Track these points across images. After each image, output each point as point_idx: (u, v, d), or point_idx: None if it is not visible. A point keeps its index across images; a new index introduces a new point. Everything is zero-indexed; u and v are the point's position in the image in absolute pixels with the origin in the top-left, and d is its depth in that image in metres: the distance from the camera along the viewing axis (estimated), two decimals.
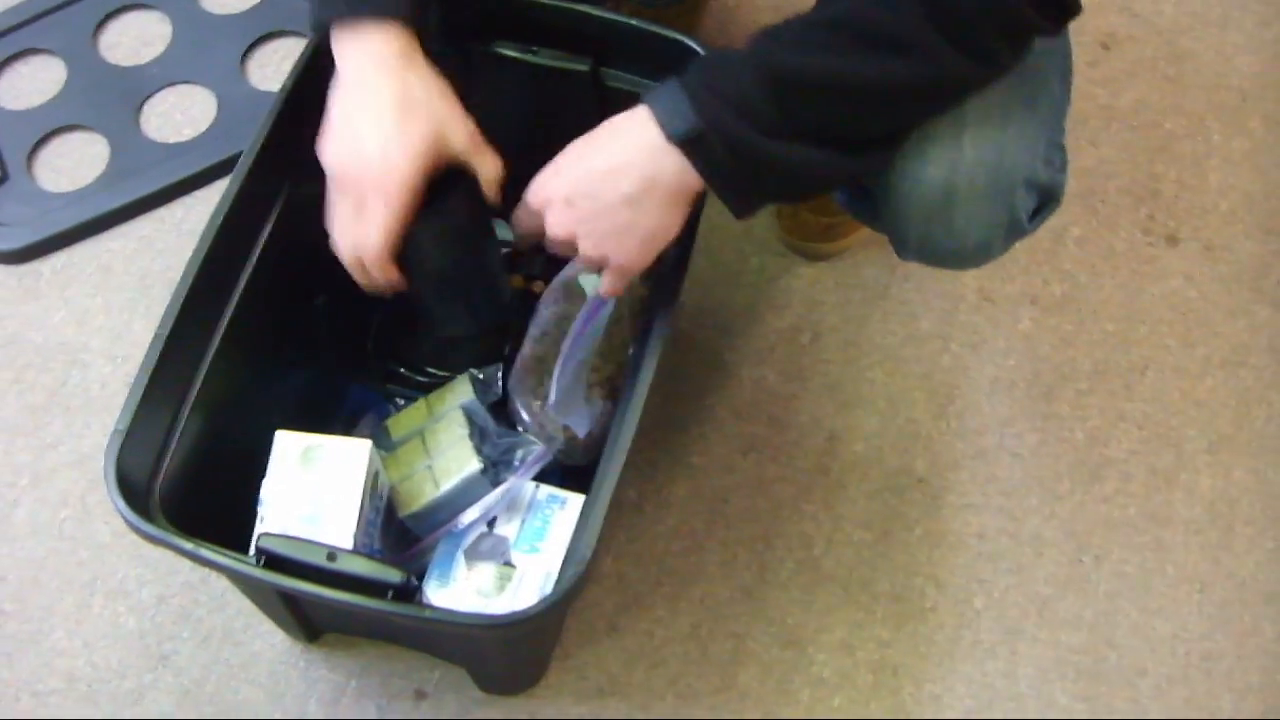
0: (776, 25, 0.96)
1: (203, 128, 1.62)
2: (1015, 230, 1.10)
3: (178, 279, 1.08)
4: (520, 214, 1.05)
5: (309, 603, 1.19)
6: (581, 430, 1.24)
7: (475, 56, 1.23)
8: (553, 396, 1.22)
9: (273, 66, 1.63)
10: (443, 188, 1.02)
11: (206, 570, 1.32)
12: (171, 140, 1.61)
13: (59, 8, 1.70)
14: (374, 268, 1.03)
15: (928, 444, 1.41)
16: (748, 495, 1.38)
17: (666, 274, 1.14)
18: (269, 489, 1.18)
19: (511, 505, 1.24)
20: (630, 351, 1.25)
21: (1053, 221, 1.49)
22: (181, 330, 1.09)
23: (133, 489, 1.05)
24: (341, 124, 1.01)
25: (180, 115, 1.63)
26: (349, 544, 1.17)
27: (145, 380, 1.06)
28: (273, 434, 1.19)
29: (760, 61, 0.94)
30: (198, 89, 1.65)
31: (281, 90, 1.17)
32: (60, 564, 1.35)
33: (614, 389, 1.28)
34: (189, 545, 1.04)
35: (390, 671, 1.30)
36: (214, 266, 1.13)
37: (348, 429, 1.36)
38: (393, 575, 1.03)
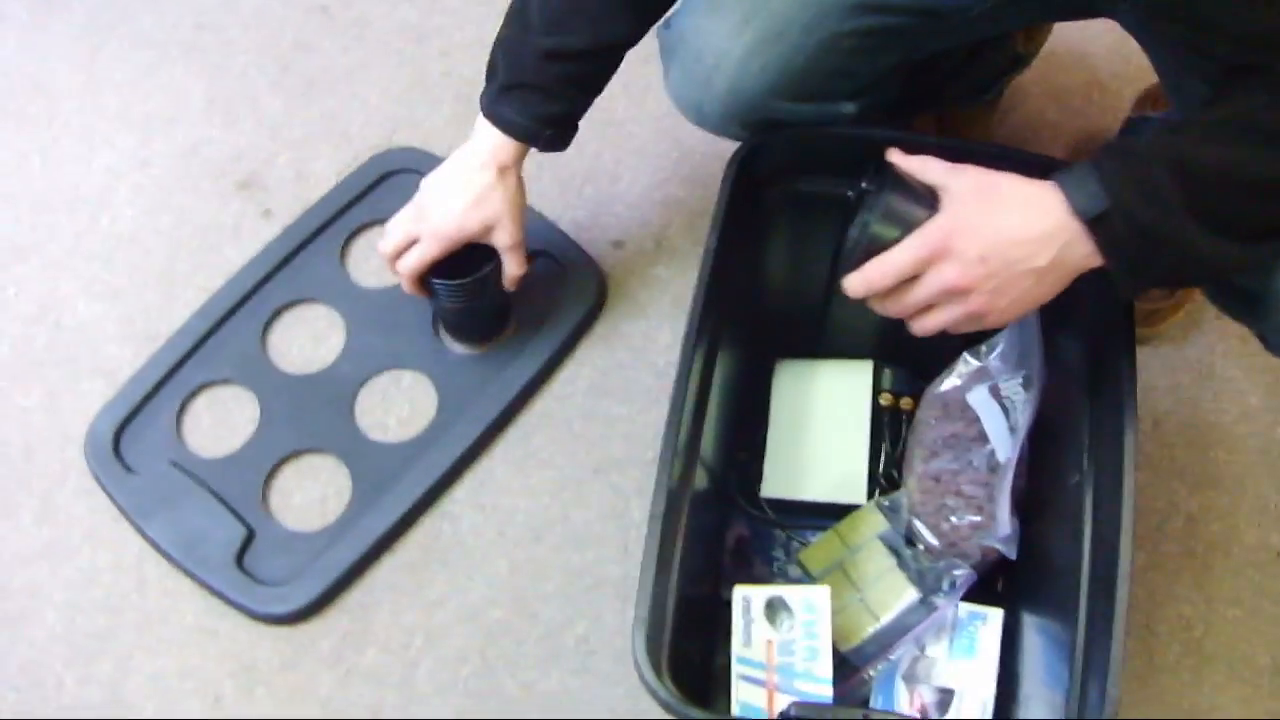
0: (1176, 122, 1.03)
1: (429, 413, 1.53)
2: None
3: None
4: (891, 261, 1.07)
5: None
6: (1013, 553, 1.28)
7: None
8: (1008, 528, 1.26)
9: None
10: (481, 258, 1.42)
11: (626, 715, 1.36)
12: (406, 436, 1.51)
13: (212, 331, 1.56)
14: (404, 279, 1.43)
15: (1278, 517, 1.47)
16: None
17: (1110, 392, 1.19)
18: (740, 645, 1.22)
19: (938, 626, 1.29)
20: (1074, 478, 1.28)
21: None
22: (671, 510, 1.13)
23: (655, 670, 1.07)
24: (444, 172, 1.39)
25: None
26: (829, 687, 1.21)
27: (653, 567, 1.09)
28: (701, 582, 1.22)
29: (1167, 151, 0.99)
30: (404, 374, 1.56)
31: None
32: None
33: (1019, 506, 1.32)
34: None
35: None
36: (690, 438, 1.17)
37: (735, 560, 1.40)
38: None
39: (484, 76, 1.34)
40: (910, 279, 1.07)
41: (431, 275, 1.42)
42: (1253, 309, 1.13)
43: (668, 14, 1.30)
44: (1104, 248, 1.01)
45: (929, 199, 1.08)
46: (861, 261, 1.08)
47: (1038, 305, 1.07)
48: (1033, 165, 1.19)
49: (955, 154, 1.23)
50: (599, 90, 1.35)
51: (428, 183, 1.41)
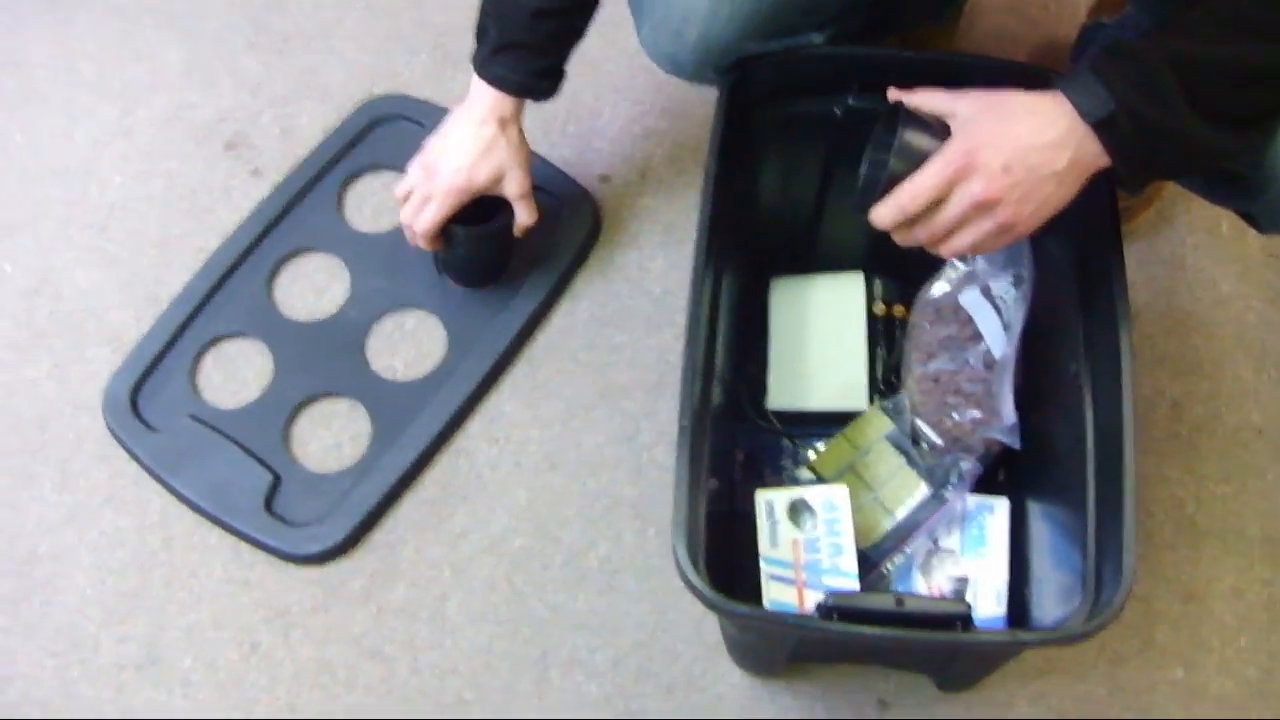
0: (1166, 21, 1.07)
1: (438, 351, 1.57)
2: None
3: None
4: (919, 184, 1.09)
5: (813, 641, 1.27)
6: (1017, 444, 1.33)
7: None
8: (1012, 418, 1.31)
9: None
10: (492, 208, 1.47)
11: (654, 628, 1.41)
12: (418, 375, 1.55)
13: (218, 287, 1.58)
14: (421, 236, 1.47)
15: (1256, 397, 1.54)
16: None
17: (1101, 285, 1.24)
18: (767, 546, 1.27)
19: (949, 518, 1.35)
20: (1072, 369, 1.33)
21: None
22: (698, 421, 1.17)
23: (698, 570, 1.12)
24: (447, 132, 1.44)
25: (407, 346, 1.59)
26: (855, 581, 1.27)
27: (685, 477, 1.13)
28: (718, 495, 1.27)
29: (1165, 50, 1.04)
30: (410, 314, 1.60)
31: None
32: (506, 646, 1.41)
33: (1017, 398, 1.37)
34: (781, 617, 1.13)
35: (850, 688, 1.38)
36: (706, 356, 1.22)
37: (745, 474, 1.44)
38: (960, 607, 1.11)
39: (461, 27, 1.40)
40: (936, 203, 1.10)
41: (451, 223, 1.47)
42: (1244, 191, 1.19)
43: None
44: (1111, 147, 1.06)
45: (939, 127, 1.11)
46: (885, 195, 1.11)
47: (1058, 210, 1.11)
48: (1016, 74, 1.25)
49: (939, 67, 1.30)
50: (582, 37, 1.39)
51: (432, 144, 1.45)
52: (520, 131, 1.44)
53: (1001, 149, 1.07)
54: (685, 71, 1.34)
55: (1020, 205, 1.09)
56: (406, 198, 1.47)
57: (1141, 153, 1.07)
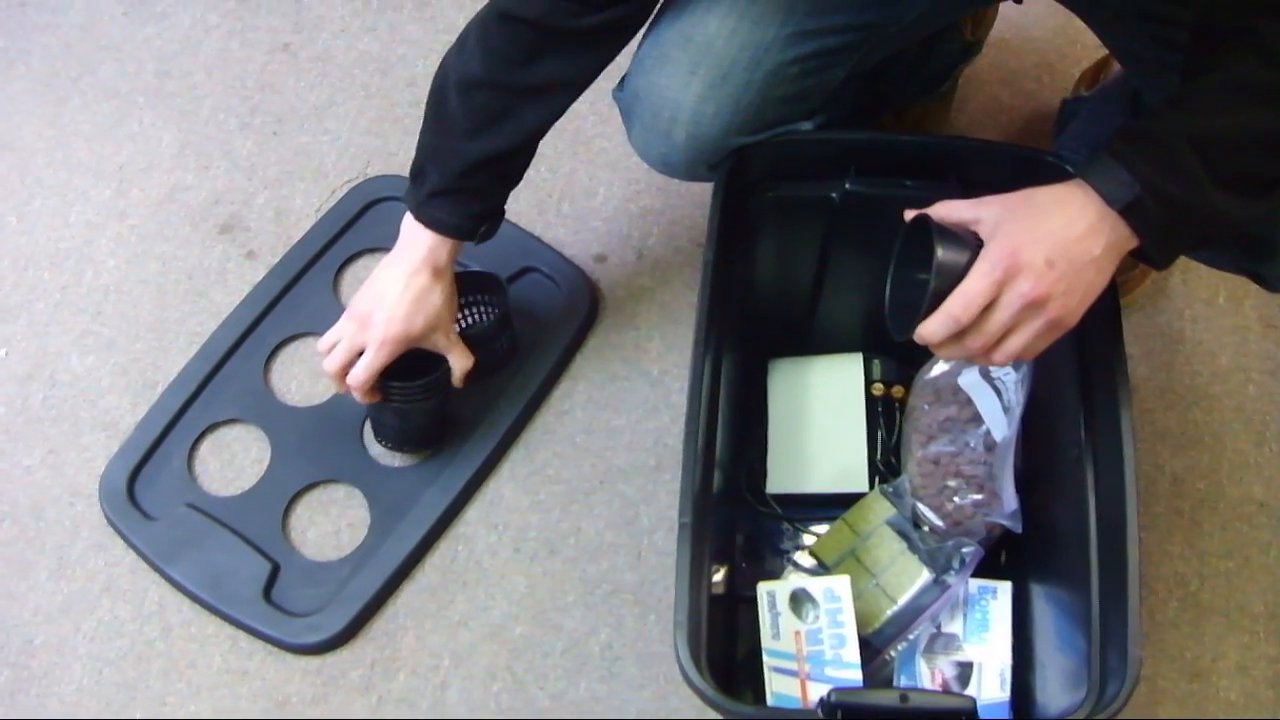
0: (1175, 97, 1.08)
1: None
2: None
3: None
4: (970, 292, 1.07)
5: None
6: (1019, 528, 1.33)
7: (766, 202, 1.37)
8: (1014, 504, 1.31)
9: None
10: (428, 363, 1.43)
11: (656, 715, 1.40)
12: (416, 460, 1.55)
13: (214, 373, 1.58)
14: (357, 389, 1.40)
15: (1258, 470, 1.53)
16: None
17: (1101, 367, 1.24)
18: (769, 638, 1.26)
19: (951, 603, 1.34)
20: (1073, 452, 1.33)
21: None
22: (699, 514, 1.17)
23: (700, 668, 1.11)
24: (379, 281, 1.39)
25: None
26: (858, 671, 1.26)
27: (687, 572, 1.12)
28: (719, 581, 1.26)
29: (1181, 127, 1.05)
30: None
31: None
32: None
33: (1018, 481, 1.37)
34: (785, 716, 1.11)
35: None
36: (706, 445, 1.21)
37: (746, 558, 1.44)
38: (965, 702, 1.10)
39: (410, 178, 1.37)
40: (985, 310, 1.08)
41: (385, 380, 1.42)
42: (1256, 252, 1.21)
43: (622, 76, 1.35)
44: (1140, 229, 1.06)
45: (969, 236, 1.10)
46: (930, 312, 1.09)
47: (1097, 296, 1.10)
48: (1012, 156, 1.26)
49: (934, 150, 1.30)
50: (521, 179, 1.39)
51: (363, 294, 1.41)
52: (451, 282, 1.42)
53: (1041, 245, 1.06)
54: (678, 170, 1.35)
55: (1068, 298, 1.08)
56: (331, 349, 1.41)
57: (1170, 230, 1.07)
